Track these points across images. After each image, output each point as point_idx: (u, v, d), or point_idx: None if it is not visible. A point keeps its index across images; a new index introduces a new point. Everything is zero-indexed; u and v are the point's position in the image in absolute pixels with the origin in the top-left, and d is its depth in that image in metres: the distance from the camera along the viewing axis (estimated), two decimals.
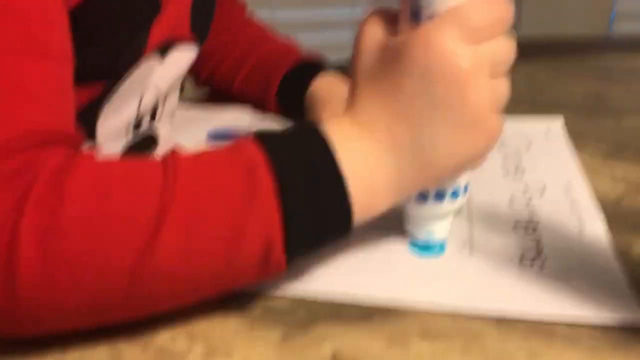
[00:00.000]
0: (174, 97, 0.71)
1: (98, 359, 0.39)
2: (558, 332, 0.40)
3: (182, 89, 0.75)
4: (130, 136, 0.62)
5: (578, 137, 0.68)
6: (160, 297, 0.39)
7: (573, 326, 0.41)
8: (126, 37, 0.54)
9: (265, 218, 0.38)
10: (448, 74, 0.40)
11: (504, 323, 0.41)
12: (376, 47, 0.43)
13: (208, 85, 0.85)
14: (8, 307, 0.36)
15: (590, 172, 0.60)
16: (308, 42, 0.84)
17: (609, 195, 0.56)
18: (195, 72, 0.83)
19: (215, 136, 0.71)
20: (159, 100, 0.64)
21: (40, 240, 0.35)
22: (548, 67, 0.94)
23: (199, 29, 0.67)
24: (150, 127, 0.65)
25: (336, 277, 0.46)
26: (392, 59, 0.41)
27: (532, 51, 0.97)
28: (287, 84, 0.74)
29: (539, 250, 0.48)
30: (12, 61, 0.39)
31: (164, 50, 0.61)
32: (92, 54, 0.47)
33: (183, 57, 0.66)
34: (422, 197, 0.46)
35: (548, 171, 0.60)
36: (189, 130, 0.72)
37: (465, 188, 0.47)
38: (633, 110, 0.76)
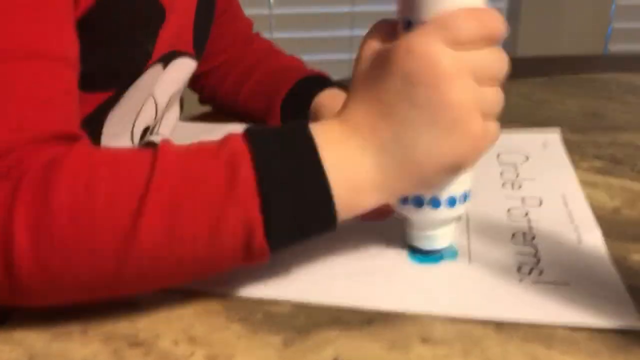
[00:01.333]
0: (174, 110, 0.72)
1: None
2: (557, 336, 0.41)
3: (182, 106, 0.76)
4: (133, 145, 0.62)
5: (575, 153, 0.69)
6: (147, 278, 0.41)
7: (572, 330, 0.41)
8: (133, 45, 0.55)
9: (245, 204, 0.40)
10: (428, 74, 0.41)
11: (504, 327, 0.42)
12: (371, 54, 0.44)
13: (212, 101, 0.85)
14: (12, 285, 0.39)
15: (587, 186, 0.61)
16: (307, 62, 0.85)
17: (606, 207, 0.57)
18: (200, 87, 0.83)
19: None
20: (158, 110, 0.65)
21: (32, 228, 0.38)
22: (545, 85, 0.95)
23: (199, 43, 0.68)
24: (152, 138, 0.65)
25: (336, 284, 0.46)
26: (380, 64, 0.43)
27: (528, 69, 0.99)
28: (292, 98, 0.75)
29: (537, 259, 0.48)
30: (3, 64, 0.41)
31: (166, 60, 0.62)
32: (100, 60, 0.48)
33: (182, 68, 0.66)
34: (419, 202, 0.46)
35: (546, 183, 0.61)
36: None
37: (465, 196, 0.47)
38: (629, 126, 0.77)
